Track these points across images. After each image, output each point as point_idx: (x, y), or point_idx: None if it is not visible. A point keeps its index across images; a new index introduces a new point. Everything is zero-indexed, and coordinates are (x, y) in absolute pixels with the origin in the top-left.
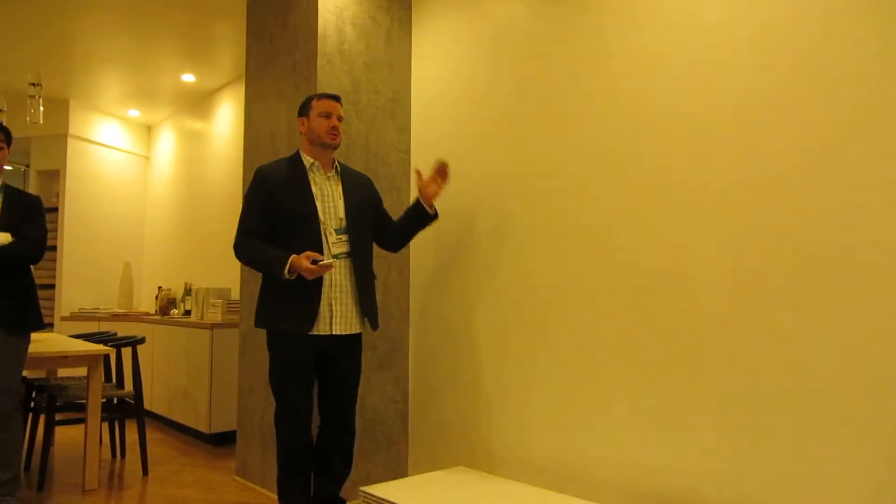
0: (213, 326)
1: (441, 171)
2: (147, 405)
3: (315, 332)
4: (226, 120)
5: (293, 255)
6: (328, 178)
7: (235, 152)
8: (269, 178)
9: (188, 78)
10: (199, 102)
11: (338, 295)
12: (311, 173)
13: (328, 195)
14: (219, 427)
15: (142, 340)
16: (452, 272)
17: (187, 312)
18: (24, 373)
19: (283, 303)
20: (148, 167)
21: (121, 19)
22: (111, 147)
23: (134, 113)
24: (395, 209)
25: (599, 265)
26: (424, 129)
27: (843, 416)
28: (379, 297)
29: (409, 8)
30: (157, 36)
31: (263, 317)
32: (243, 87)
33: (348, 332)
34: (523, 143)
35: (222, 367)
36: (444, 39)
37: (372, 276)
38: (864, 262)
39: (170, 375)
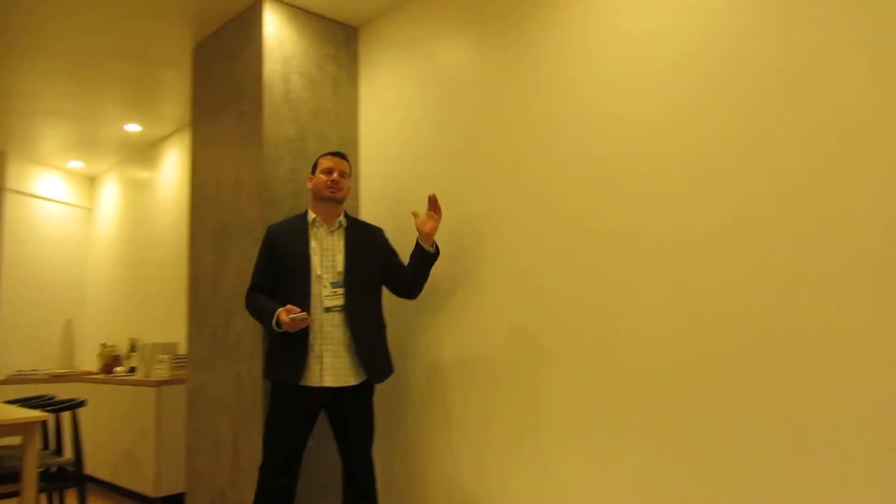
0: (159, 384)
1: (434, 206)
2: (89, 470)
3: (306, 384)
4: (172, 169)
5: (279, 308)
6: (331, 232)
7: (182, 202)
8: (273, 234)
9: (133, 127)
10: (144, 152)
11: (329, 347)
12: (314, 228)
13: (328, 249)
14: (166, 490)
15: (82, 403)
16: (404, 317)
17: (132, 370)
18: None
19: (279, 353)
20: (91, 219)
21: (61, 69)
22: (52, 200)
23: (76, 164)
24: None
25: (547, 309)
26: (373, 175)
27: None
28: None
29: (356, 55)
30: (99, 85)
31: (265, 366)
32: (189, 137)
33: (340, 385)
34: (472, 187)
35: (169, 427)
36: (391, 86)
37: (375, 329)
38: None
39: (114, 437)
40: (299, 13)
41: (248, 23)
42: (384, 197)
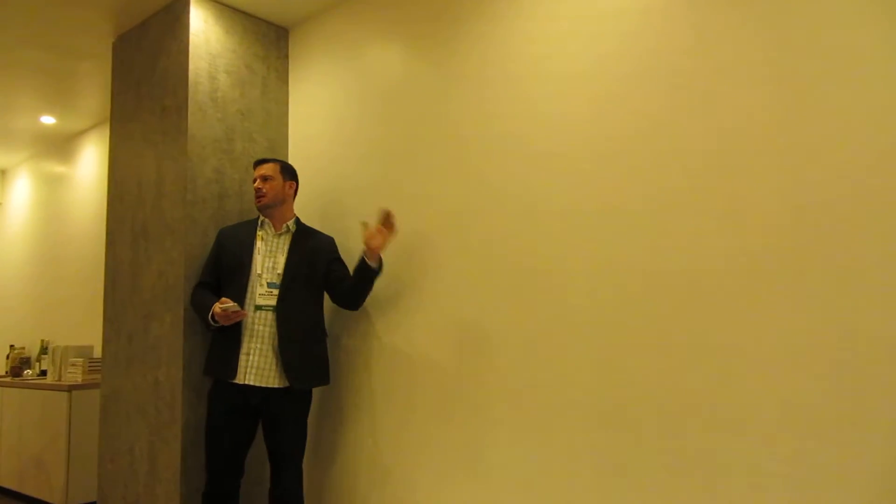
0: (71, 388)
1: (386, 221)
2: None
3: (237, 381)
4: (89, 165)
5: (215, 302)
6: (278, 235)
7: (99, 200)
8: (221, 234)
9: (47, 120)
10: (59, 146)
11: (256, 346)
12: (261, 230)
13: (271, 251)
14: (76, 499)
15: None
16: (330, 323)
17: (43, 373)
18: None
19: (215, 349)
20: (0, 215)
21: None
22: None
23: None
24: None
25: (480, 304)
26: (302, 175)
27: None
28: None
29: (286, 57)
30: (12, 75)
31: (205, 363)
32: (108, 132)
33: (264, 385)
34: (401, 189)
35: (81, 433)
36: (322, 87)
37: (308, 334)
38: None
39: (21, 443)
40: (227, 11)
41: (174, 17)
42: (312, 198)
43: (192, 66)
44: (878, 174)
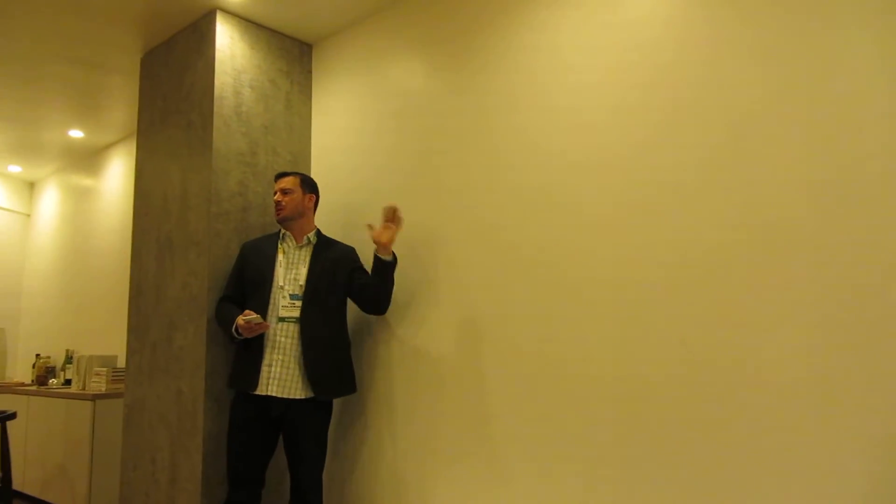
0: (95, 397)
1: (390, 216)
2: (17, 486)
3: (258, 393)
4: (116, 178)
5: (239, 315)
6: (299, 247)
7: (125, 212)
8: (244, 248)
9: (76, 134)
10: (87, 159)
11: (279, 357)
12: (283, 243)
13: (293, 262)
14: None
15: (13, 416)
16: (352, 331)
17: (67, 382)
18: None
19: (238, 362)
20: (29, 226)
21: (3, 69)
22: None
23: (15, 168)
24: None
25: (506, 310)
26: (323, 190)
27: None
28: None
29: (310, 72)
30: (42, 89)
31: (229, 376)
32: (135, 145)
33: (286, 396)
34: (422, 203)
35: (104, 442)
36: (344, 102)
37: (332, 344)
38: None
39: (45, 451)
40: (252, 27)
41: (200, 34)
42: (334, 211)
43: (217, 82)
44: (891, 166)
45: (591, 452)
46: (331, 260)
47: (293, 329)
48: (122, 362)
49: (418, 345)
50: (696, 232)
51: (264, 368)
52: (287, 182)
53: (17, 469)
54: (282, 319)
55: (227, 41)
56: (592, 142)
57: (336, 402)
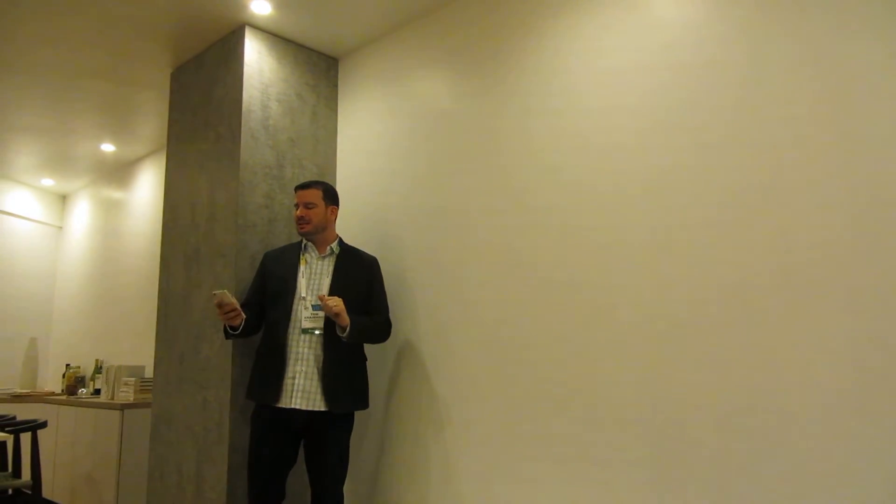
0: (123, 407)
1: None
2: (47, 493)
3: (281, 405)
4: (146, 191)
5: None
6: (322, 258)
7: (154, 224)
8: (266, 258)
9: (107, 147)
10: (118, 172)
11: (302, 368)
12: (305, 254)
13: (316, 273)
14: None
15: (43, 425)
16: (378, 343)
17: (97, 392)
18: None
19: (257, 374)
20: (61, 238)
21: (37, 88)
22: (20, 217)
23: (47, 182)
24: None
25: (526, 331)
26: (349, 202)
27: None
28: None
29: (336, 86)
30: (75, 105)
31: (248, 388)
32: (164, 158)
33: (310, 408)
34: (444, 213)
35: (132, 451)
36: (370, 117)
37: (350, 358)
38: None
39: (74, 460)
40: (280, 42)
41: (229, 49)
42: (360, 224)
43: (245, 96)
44: None
45: (623, 458)
46: (354, 271)
47: (315, 340)
48: (150, 372)
49: (440, 366)
50: (725, 251)
51: (287, 381)
52: (311, 195)
53: (46, 477)
54: (304, 331)
55: (256, 56)
56: (618, 161)
57: (358, 416)
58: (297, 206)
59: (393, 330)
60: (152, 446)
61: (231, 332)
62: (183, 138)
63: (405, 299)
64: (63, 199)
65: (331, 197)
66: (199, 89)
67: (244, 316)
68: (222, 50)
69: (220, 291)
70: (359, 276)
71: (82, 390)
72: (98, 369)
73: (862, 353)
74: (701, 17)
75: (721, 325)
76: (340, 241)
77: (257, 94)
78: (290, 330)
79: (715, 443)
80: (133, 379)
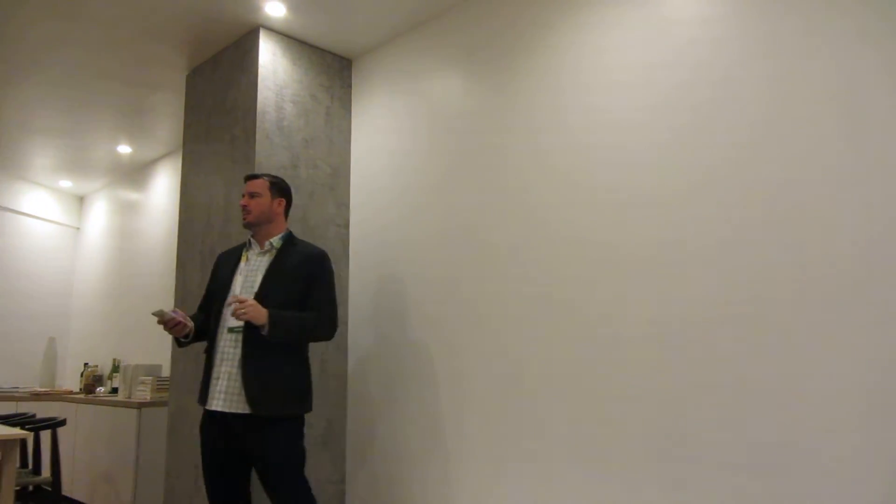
0: (141, 405)
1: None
2: (66, 490)
3: (209, 407)
4: (162, 192)
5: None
6: (262, 254)
7: (170, 224)
8: (218, 258)
9: (124, 149)
10: (134, 174)
11: (226, 369)
12: (247, 251)
13: (253, 270)
14: None
15: (62, 423)
16: (391, 347)
17: (114, 390)
18: None
19: (201, 375)
20: (78, 239)
21: (54, 90)
22: (39, 218)
23: (65, 183)
24: None
25: (532, 337)
26: (364, 202)
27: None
28: (315, 374)
29: (350, 87)
30: (92, 108)
31: None
32: (180, 160)
33: (230, 410)
34: (458, 215)
35: (149, 449)
36: (383, 117)
37: (272, 352)
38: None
39: (92, 457)
40: (294, 43)
41: (244, 51)
42: (374, 223)
43: (260, 97)
44: None
45: (635, 476)
46: (290, 265)
47: (238, 339)
48: (166, 371)
49: (450, 380)
50: (744, 266)
51: (213, 381)
52: (255, 185)
53: (65, 474)
54: (231, 330)
55: (270, 57)
56: (634, 173)
57: (364, 425)
58: (242, 196)
59: (402, 334)
60: (169, 444)
61: (182, 340)
62: (198, 140)
63: (416, 308)
64: (80, 201)
65: (279, 189)
66: (215, 91)
67: (190, 325)
68: (237, 52)
69: (157, 311)
70: (297, 272)
71: (100, 389)
72: (115, 368)
73: (889, 367)
74: (717, 13)
75: (735, 334)
76: (285, 236)
77: (272, 96)
78: (220, 329)
79: (730, 454)
80: (150, 378)
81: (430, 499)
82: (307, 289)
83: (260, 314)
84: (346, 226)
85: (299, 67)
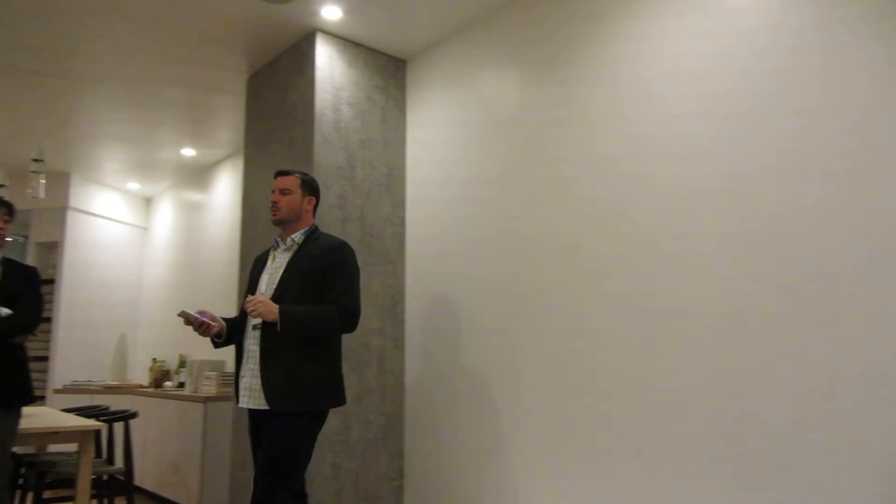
0: (206, 399)
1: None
2: (137, 481)
3: (240, 405)
4: (223, 193)
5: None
6: (286, 250)
7: (232, 225)
8: (253, 264)
9: (188, 152)
10: (197, 175)
11: (250, 366)
12: (274, 249)
13: (277, 267)
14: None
15: (135, 415)
16: (449, 344)
17: (181, 385)
18: (13, 448)
19: None
20: (146, 239)
21: (123, 97)
22: (110, 219)
23: (134, 185)
24: (389, 281)
25: (593, 333)
26: (418, 202)
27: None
28: (373, 371)
29: (404, 87)
30: (158, 112)
31: None
32: (241, 161)
33: (256, 407)
34: (514, 214)
35: (215, 442)
36: (438, 117)
37: (296, 350)
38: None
39: (161, 450)
40: (350, 46)
41: (302, 54)
42: (430, 221)
43: (317, 99)
44: None
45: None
46: (308, 259)
47: (259, 336)
48: (230, 367)
49: (507, 380)
50: (802, 259)
51: (241, 379)
52: (287, 182)
53: (136, 465)
54: (254, 327)
55: (327, 60)
56: (692, 168)
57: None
58: (272, 191)
59: (460, 331)
60: (234, 437)
61: (216, 340)
62: (259, 142)
63: (473, 305)
64: (147, 202)
65: (309, 187)
66: (274, 94)
67: (218, 326)
68: (295, 55)
69: (181, 312)
70: (315, 265)
71: (167, 383)
72: (182, 363)
73: None
74: (775, 9)
75: (797, 325)
76: (308, 231)
77: (329, 98)
78: (247, 328)
79: (793, 444)
80: (215, 373)
81: (487, 497)
82: (325, 280)
83: (270, 311)
84: (403, 224)
85: (355, 69)
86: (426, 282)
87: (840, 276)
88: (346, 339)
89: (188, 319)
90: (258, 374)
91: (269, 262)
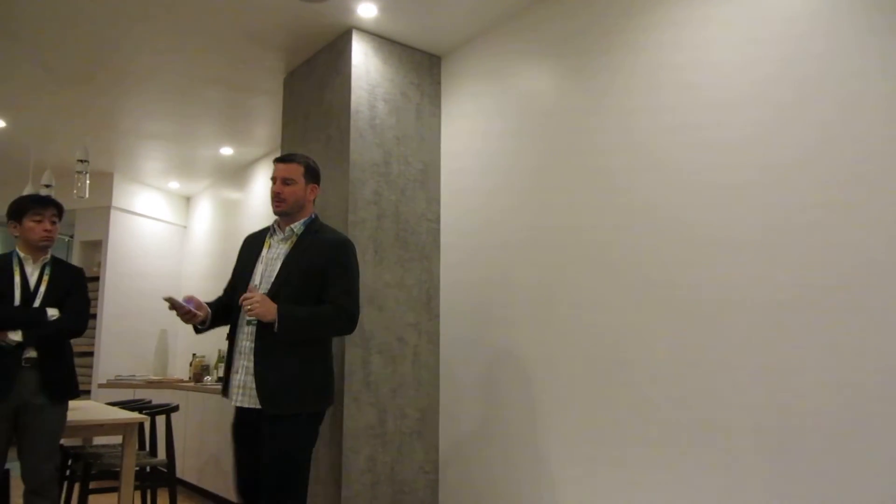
0: None
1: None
2: (177, 473)
3: (231, 402)
4: (261, 191)
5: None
6: (283, 240)
7: (270, 222)
8: (244, 241)
9: (226, 151)
10: (235, 174)
11: (243, 363)
12: (271, 236)
13: (273, 258)
14: None
15: (176, 408)
16: (483, 339)
17: (220, 379)
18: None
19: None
20: (185, 236)
21: (164, 98)
22: (151, 217)
23: (174, 185)
24: (424, 277)
25: (632, 325)
26: (454, 198)
27: None
28: (407, 365)
29: (439, 83)
30: (197, 112)
31: None
32: None
33: (250, 405)
34: (550, 206)
35: None
36: (472, 113)
37: (287, 346)
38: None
39: (201, 443)
40: (385, 43)
41: (338, 52)
42: (465, 217)
43: (353, 97)
44: None
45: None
46: (308, 253)
47: (254, 332)
48: None
49: (537, 367)
50: (842, 254)
51: (232, 375)
52: (290, 170)
53: (177, 458)
54: (248, 323)
55: (362, 57)
56: (731, 158)
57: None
58: (273, 180)
59: (494, 326)
60: None
61: (199, 327)
62: (296, 140)
63: (508, 300)
64: (187, 201)
65: (313, 175)
66: (311, 92)
67: (203, 314)
68: (331, 54)
69: (167, 297)
70: (314, 262)
71: (207, 378)
72: (220, 359)
73: None
74: (812, 4)
75: (841, 322)
76: (308, 221)
77: (364, 95)
78: (240, 322)
79: (834, 448)
80: None
81: (522, 491)
82: (325, 280)
83: (269, 311)
84: (437, 220)
85: (390, 66)
86: (461, 276)
87: (889, 265)
88: (381, 333)
89: (173, 304)
90: (252, 371)
91: (264, 250)
